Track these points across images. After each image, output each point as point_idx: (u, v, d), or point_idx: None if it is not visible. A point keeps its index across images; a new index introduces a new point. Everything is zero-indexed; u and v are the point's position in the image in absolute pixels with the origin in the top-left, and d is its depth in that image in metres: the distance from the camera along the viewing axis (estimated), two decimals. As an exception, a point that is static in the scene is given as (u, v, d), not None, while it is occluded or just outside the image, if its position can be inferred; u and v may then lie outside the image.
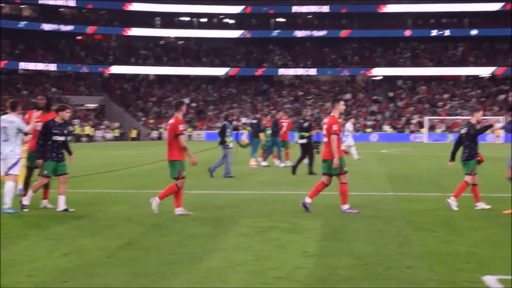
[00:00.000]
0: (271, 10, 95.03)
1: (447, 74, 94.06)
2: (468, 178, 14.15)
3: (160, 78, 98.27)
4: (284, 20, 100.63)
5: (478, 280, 7.70)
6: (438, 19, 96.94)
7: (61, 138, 13.74)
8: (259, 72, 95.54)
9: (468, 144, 14.23)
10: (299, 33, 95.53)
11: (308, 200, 13.68)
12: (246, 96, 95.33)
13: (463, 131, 14.43)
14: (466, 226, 11.58)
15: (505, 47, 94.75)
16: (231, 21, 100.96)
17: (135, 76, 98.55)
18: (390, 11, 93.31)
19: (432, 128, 79.13)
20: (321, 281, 7.76)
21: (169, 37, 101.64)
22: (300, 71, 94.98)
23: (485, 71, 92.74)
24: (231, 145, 23.14)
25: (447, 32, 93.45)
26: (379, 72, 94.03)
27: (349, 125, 32.74)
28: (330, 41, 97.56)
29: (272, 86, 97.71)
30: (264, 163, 27.92)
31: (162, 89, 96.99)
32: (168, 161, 13.27)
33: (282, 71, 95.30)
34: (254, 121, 29.24)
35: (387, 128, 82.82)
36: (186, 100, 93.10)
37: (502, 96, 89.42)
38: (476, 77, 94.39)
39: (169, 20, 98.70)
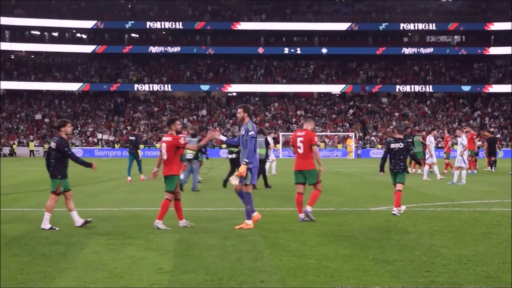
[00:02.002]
0: (125, 25, 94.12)
1: (300, 91, 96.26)
2: (400, 187, 15.76)
3: (11, 93, 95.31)
4: (138, 35, 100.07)
5: (328, 292, 7.92)
6: (290, 37, 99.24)
7: None
8: (114, 87, 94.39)
9: (402, 158, 15.75)
10: (153, 49, 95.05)
11: (308, 208, 14.56)
12: (101, 111, 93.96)
13: (398, 146, 15.82)
14: (317, 240, 11.83)
15: (354, 65, 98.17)
16: (84, 36, 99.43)
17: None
18: (244, 28, 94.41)
19: (286, 144, 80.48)
20: (176, 297, 7.79)
21: (20, 51, 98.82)
22: (155, 87, 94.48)
23: (335, 89, 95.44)
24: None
25: (298, 50, 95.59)
26: (233, 88, 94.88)
27: (269, 139, 31.20)
28: (184, 57, 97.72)
29: (127, 101, 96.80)
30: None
31: (13, 104, 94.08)
32: (166, 176, 13.64)
33: (137, 87, 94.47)
34: (132, 137, 29.41)
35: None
36: (38, 116, 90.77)
37: (351, 112, 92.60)
38: (327, 94, 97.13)
39: (19, 34, 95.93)
